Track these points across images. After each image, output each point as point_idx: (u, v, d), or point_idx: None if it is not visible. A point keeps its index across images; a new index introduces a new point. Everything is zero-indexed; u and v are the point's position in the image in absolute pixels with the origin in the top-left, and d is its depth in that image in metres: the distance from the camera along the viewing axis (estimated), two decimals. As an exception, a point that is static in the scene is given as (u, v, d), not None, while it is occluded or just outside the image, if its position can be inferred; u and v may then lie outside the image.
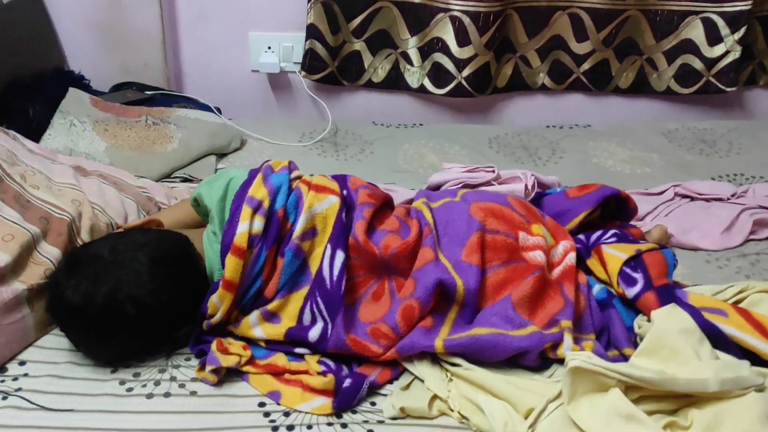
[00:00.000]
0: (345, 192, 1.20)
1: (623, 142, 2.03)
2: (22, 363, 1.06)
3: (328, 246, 1.11)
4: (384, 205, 1.24)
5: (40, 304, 1.10)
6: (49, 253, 1.16)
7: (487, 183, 1.37)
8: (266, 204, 1.12)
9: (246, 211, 1.10)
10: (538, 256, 1.13)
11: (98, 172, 1.50)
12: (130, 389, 1.02)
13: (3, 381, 1.02)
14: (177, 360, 1.09)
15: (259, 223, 1.10)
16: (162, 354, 1.10)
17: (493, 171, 1.39)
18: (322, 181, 1.18)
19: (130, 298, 1.02)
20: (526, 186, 1.32)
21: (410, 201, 1.37)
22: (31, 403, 0.98)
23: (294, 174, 1.21)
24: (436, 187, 1.39)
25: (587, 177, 1.80)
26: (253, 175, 1.18)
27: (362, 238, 1.12)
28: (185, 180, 1.70)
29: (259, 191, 1.13)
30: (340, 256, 1.10)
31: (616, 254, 1.16)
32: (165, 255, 1.08)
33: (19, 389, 1.00)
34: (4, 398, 0.98)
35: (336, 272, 1.09)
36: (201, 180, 1.69)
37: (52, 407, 0.97)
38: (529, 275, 1.10)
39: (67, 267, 1.06)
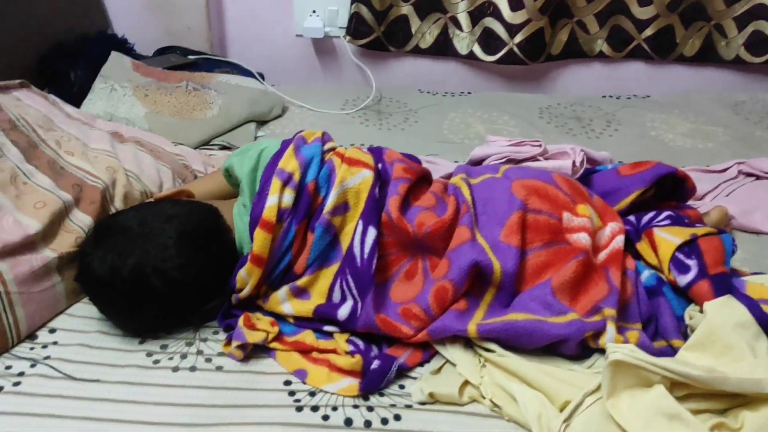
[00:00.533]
0: (380, 165, 1.15)
1: (685, 115, 1.91)
2: (52, 331, 1.06)
3: (360, 222, 1.07)
4: (420, 180, 1.18)
5: (70, 273, 1.10)
6: (81, 221, 1.15)
7: (533, 158, 1.29)
8: (297, 177, 1.07)
9: (276, 183, 1.06)
10: (582, 239, 1.06)
11: (135, 139, 1.49)
12: (156, 361, 1.01)
13: (32, 348, 1.02)
14: (205, 333, 1.07)
15: (288, 197, 1.06)
16: (190, 327, 1.08)
17: (540, 145, 1.31)
18: (356, 154, 1.13)
19: (156, 272, 1.00)
20: (573, 163, 1.24)
21: (449, 176, 1.31)
22: (58, 371, 0.97)
23: (327, 146, 1.16)
24: (478, 162, 1.32)
25: (644, 151, 1.70)
26: (284, 146, 1.14)
27: (395, 215, 1.07)
28: (224, 148, 1.68)
29: (289, 163, 1.09)
30: (371, 232, 1.05)
31: (668, 238, 1.08)
32: (194, 228, 1.06)
33: (48, 357, 1.00)
34: (33, 366, 0.98)
35: (367, 249, 1.05)
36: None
37: (79, 377, 0.96)
38: (572, 259, 1.03)
39: (96, 237, 1.05)
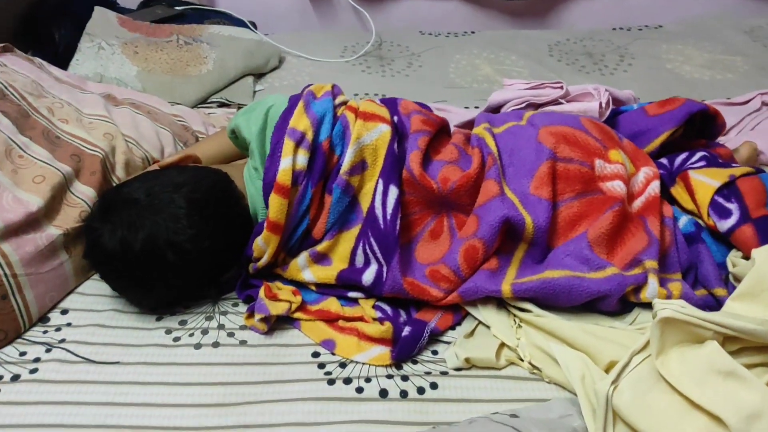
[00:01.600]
0: (396, 118, 1.08)
1: (700, 44, 1.83)
2: (64, 312, 1.00)
3: (380, 181, 1.01)
4: (440, 132, 1.12)
5: (77, 249, 1.04)
6: (83, 193, 1.08)
7: (555, 101, 1.22)
8: (310, 136, 1.01)
9: (288, 144, 0.99)
10: (617, 187, 1.00)
11: (130, 101, 1.41)
12: (177, 339, 0.96)
13: (46, 332, 0.97)
14: (224, 306, 1.02)
15: (303, 158, 0.99)
16: (207, 299, 1.03)
17: (561, 87, 1.24)
18: (371, 108, 1.06)
19: (169, 244, 0.94)
20: (600, 104, 1.17)
21: (468, 124, 1.25)
22: (76, 355, 0.93)
23: (338, 99, 1.09)
24: (497, 108, 1.25)
25: (661, 86, 1.63)
26: (293, 102, 1.06)
27: (418, 171, 1.01)
28: (222, 105, 1.60)
29: (301, 122, 1.02)
30: (393, 191, 0.99)
31: (705, 181, 1.02)
32: (204, 196, 0.99)
33: (63, 340, 0.95)
34: (48, 350, 0.93)
35: (390, 210, 0.99)
36: (239, 105, 1.59)
37: (98, 360, 0.92)
38: (607, 209, 0.98)
39: (102, 211, 0.98)
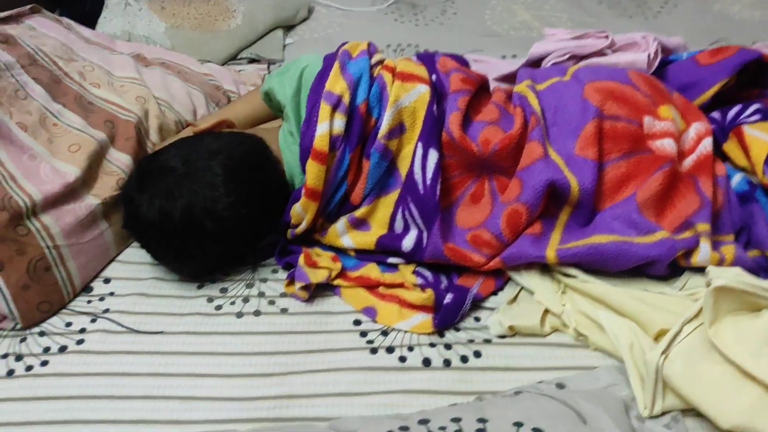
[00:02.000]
0: (434, 77, 1.04)
1: (752, -19, 1.72)
2: (106, 281, 1.01)
3: (419, 145, 0.98)
4: (480, 90, 1.07)
5: (116, 217, 1.04)
6: (119, 160, 1.08)
7: (600, 53, 1.16)
8: (346, 99, 0.97)
9: (324, 109, 0.96)
10: (667, 146, 0.96)
11: (160, 60, 1.39)
12: (218, 307, 0.96)
13: (90, 302, 0.98)
14: (263, 273, 1.02)
15: (340, 123, 0.97)
16: (247, 266, 1.03)
17: (606, 37, 1.17)
18: (408, 67, 1.02)
19: (207, 213, 0.93)
20: (648, 55, 1.11)
21: (507, 78, 1.20)
22: (120, 325, 0.93)
23: (375, 58, 1.05)
24: (538, 61, 1.19)
25: (707, 29, 1.54)
26: (328, 63, 1.03)
27: (458, 134, 0.97)
28: (252, 61, 1.56)
29: (337, 84, 0.98)
30: (433, 155, 0.97)
31: (761, 137, 0.97)
32: (240, 163, 0.98)
33: (107, 310, 0.96)
34: (93, 321, 0.94)
35: (429, 174, 0.96)
36: (269, 60, 1.55)
37: (142, 329, 0.93)
38: (656, 170, 0.94)
39: (139, 180, 0.98)
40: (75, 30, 1.35)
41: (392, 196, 1.00)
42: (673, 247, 0.89)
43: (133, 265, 1.04)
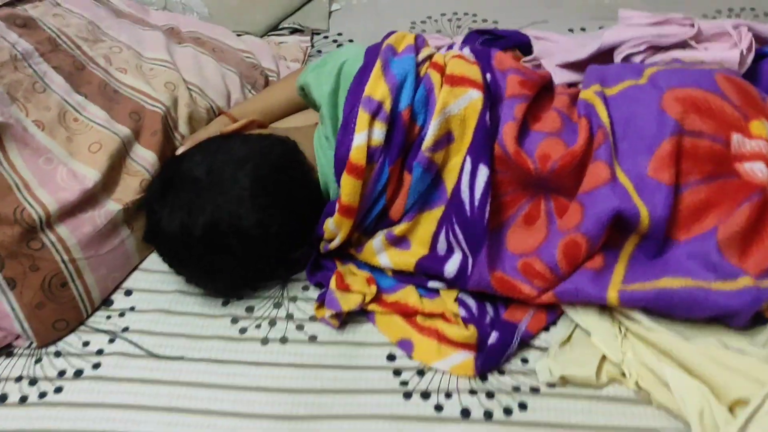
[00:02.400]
0: (488, 77, 0.91)
1: None
2: (128, 293, 0.95)
3: (468, 159, 0.86)
4: (540, 91, 0.94)
5: (139, 223, 0.97)
6: (143, 158, 1.00)
7: (683, 44, 1.00)
8: (387, 105, 0.86)
9: (363, 117, 0.86)
10: (757, 171, 0.82)
11: (194, 35, 1.29)
12: (243, 330, 0.89)
13: (109, 317, 0.92)
14: (293, 290, 0.94)
15: (379, 132, 0.86)
16: (276, 280, 0.95)
17: (692, 25, 1.01)
18: (459, 68, 0.90)
19: (232, 230, 0.85)
20: (741, 52, 0.95)
21: (574, 66, 1.06)
22: (139, 347, 0.88)
23: (422, 54, 0.92)
24: (610, 51, 1.04)
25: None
26: (370, 59, 0.91)
27: (513, 148, 0.85)
28: (295, 31, 1.45)
29: (378, 88, 0.87)
30: (483, 172, 0.85)
31: None
32: (270, 172, 0.89)
33: (126, 329, 0.90)
34: (112, 341, 0.89)
35: (478, 195, 0.85)
36: (313, 30, 1.44)
37: (161, 354, 0.87)
38: (743, 200, 0.80)
39: (161, 190, 0.90)
40: (105, 0, 1.27)
41: (436, 213, 0.90)
42: (758, 298, 0.76)
43: (157, 274, 0.98)
